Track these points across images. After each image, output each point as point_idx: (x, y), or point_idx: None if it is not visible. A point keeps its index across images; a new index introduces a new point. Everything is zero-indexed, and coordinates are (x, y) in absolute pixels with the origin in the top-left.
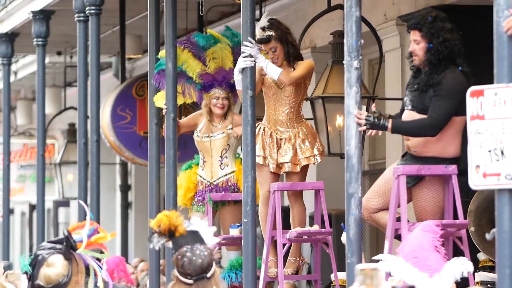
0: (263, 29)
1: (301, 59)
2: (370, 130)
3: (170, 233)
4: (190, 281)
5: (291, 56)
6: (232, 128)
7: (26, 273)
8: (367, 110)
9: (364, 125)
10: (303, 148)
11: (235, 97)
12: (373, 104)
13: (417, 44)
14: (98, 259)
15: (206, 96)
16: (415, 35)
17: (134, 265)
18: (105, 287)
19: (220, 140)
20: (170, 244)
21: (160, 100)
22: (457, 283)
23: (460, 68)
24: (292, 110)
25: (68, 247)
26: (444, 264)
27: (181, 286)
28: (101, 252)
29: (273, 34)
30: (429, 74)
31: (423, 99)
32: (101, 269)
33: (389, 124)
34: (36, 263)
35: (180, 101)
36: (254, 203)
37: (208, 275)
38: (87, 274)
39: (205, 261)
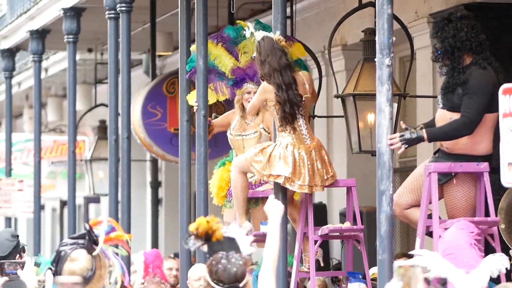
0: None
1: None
2: (403, 147)
3: (206, 237)
4: None
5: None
6: (263, 128)
7: (50, 269)
8: (398, 108)
9: (402, 146)
10: None
11: None
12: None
13: None
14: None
15: (238, 92)
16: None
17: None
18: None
19: (253, 139)
20: (205, 248)
21: (192, 98)
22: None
23: (486, 63)
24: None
25: (90, 241)
26: (480, 261)
27: None
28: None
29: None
30: (451, 74)
31: (452, 97)
32: (122, 266)
33: (425, 134)
34: (59, 259)
35: (213, 99)
36: (285, 200)
37: (241, 285)
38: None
39: (240, 270)
